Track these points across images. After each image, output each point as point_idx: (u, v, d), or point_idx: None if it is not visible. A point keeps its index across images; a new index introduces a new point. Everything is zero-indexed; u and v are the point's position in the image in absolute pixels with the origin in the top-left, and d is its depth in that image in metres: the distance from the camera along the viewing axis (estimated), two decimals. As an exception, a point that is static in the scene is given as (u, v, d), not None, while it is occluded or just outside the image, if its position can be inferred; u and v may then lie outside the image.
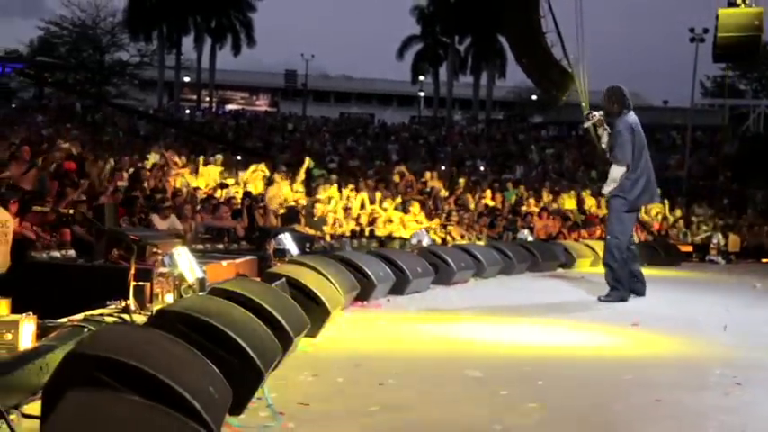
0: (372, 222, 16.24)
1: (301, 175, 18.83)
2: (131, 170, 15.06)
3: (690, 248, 20.15)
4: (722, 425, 4.28)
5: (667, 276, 14.15)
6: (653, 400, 4.72)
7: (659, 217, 22.74)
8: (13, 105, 33.72)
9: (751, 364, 6.01)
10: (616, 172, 9.41)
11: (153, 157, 17.35)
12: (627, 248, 9.58)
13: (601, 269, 14.13)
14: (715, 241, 20.67)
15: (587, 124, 10.19)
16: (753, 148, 36.74)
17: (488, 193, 21.11)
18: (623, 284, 9.48)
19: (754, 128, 44.60)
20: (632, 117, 9.52)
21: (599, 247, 15.52)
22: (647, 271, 14.89)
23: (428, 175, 22.44)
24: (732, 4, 19.78)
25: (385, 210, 16.92)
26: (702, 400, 4.84)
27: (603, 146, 9.85)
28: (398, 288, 9.03)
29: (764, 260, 20.58)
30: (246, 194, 15.58)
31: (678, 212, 23.56)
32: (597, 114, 9.77)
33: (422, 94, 56.92)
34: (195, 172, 17.32)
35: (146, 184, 13.92)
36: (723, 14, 19.89)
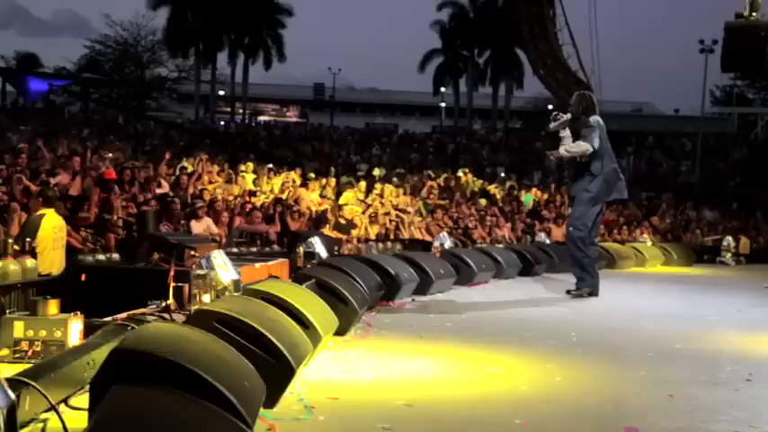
0: (397, 226, 16.24)
1: (331, 182, 18.92)
2: (172, 177, 15.23)
3: (701, 250, 19.98)
4: (733, 419, 4.24)
5: (680, 276, 14.07)
6: (666, 395, 4.69)
7: (669, 220, 22.63)
8: (63, 118, 34.02)
9: (760, 361, 5.97)
10: (580, 147, 9.29)
11: (189, 166, 17.47)
12: (592, 243, 9.53)
13: (615, 270, 14.15)
14: (725, 243, 20.50)
15: (553, 125, 9.68)
16: (761, 154, 36.44)
17: (506, 198, 21.08)
18: (591, 274, 9.38)
19: (762, 134, 44.17)
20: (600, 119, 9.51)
21: (613, 249, 15.49)
22: (661, 270, 14.88)
23: (449, 180, 22.42)
24: (739, 16, 19.65)
25: (408, 214, 16.92)
26: (714, 395, 4.80)
27: (563, 150, 9.58)
28: (422, 288, 9.01)
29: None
30: (278, 201, 15.65)
31: (689, 215, 23.38)
32: (565, 117, 9.53)
33: (443, 104, 56.87)
34: (230, 181, 17.43)
35: (186, 191, 14.06)
36: (731, 26, 19.78)
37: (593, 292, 9.32)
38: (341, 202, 16.99)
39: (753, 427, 4.10)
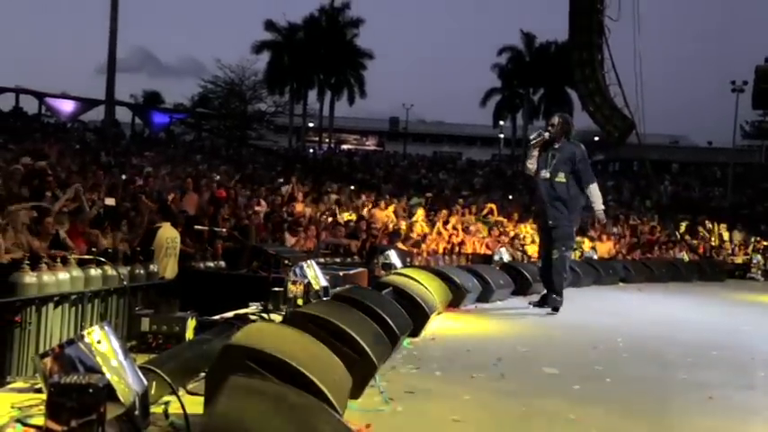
0: (461, 242, 16.15)
1: (403, 202, 18.93)
2: (270, 198, 15.45)
3: (733, 267, 19.39)
4: (766, 420, 4.08)
5: (714, 290, 13.63)
6: (706, 397, 4.53)
7: (705, 240, 22.02)
8: (179, 146, 34.88)
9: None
10: (596, 189, 8.53)
11: (285, 189, 17.70)
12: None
13: (655, 283, 13.80)
14: (755, 261, 19.88)
15: (533, 142, 8.58)
16: None
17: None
18: (562, 296, 8.50)
19: None
20: None
21: (653, 265, 15.11)
22: (696, 286, 14.42)
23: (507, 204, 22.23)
24: (768, 60, 19.16)
25: (471, 232, 16.81)
26: (749, 398, 4.63)
27: (530, 164, 8.57)
28: (484, 297, 8.91)
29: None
30: (359, 218, 15.72)
31: (723, 236, 22.71)
32: (546, 135, 8.48)
33: (501, 136, 56.54)
34: (317, 201, 17.59)
35: (283, 210, 14.24)
36: (761, 69, 19.29)
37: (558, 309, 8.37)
38: (412, 219, 16.98)
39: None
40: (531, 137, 8.72)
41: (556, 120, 8.64)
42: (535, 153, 8.51)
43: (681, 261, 17.22)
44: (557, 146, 8.42)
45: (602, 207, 8.64)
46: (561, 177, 8.34)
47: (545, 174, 8.39)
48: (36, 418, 2.58)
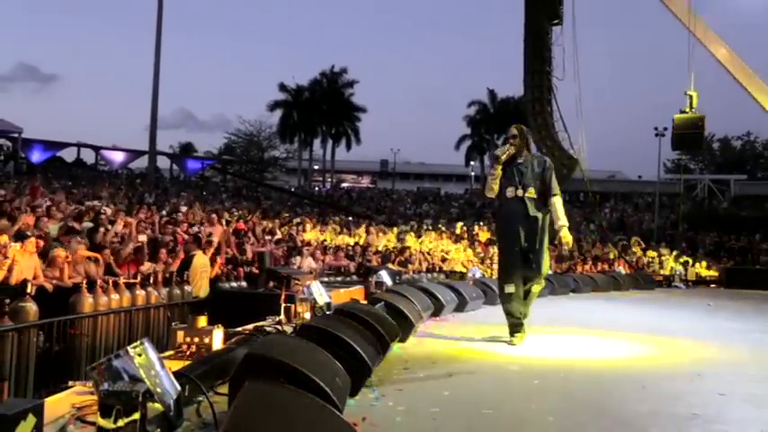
0: (441, 261, 16.14)
1: (393, 231, 18.93)
2: (284, 227, 15.42)
3: (660, 278, 19.44)
4: (689, 404, 4.06)
5: (646, 298, 13.64)
6: (640, 386, 4.53)
7: (638, 256, 22.08)
8: (208, 187, 34.84)
9: (707, 361, 5.72)
10: (560, 203, 6.19)
11: (295, 220, 17.69)
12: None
13: (599, 293, 13.79)
14: (677, 273, 19.94)
15: (504, 155, 6.23)
16: (700, 208, 36.55)
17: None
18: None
19: (701, 194, 43.78)
20: None
21: (598, 278, 15.11)
22: (632, 294, 14.42)
23: (477, 228, 22.26)
24: (683, 111, 19.59)
25: (449, 252, 16.81)
26: (674, 386, 4.61)
27: (495, 185, 6.24)
28: (460, 308, 8.89)
29: (712, 286, 19.68)
30: (356, 243, 15.71)
31: (651, 253, 22.79)
32: (512, 149, 6.28)
33: (473, 173, 56.85)
34: (322, 230, 17.58)
35: (292, 237, 14.20)
36: (677, 118, 19.70)
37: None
38: (401, 244, 16.98)
39: (703, 409, 3.93)
40: (499, 151, 6.34)
41: (515, 131, 6.42)
42: (498, 173, 6.26)
43: (619, 274, 17.24)
44: (520, 160, 6.27)
45: (566, 222, 6.16)
46: (532, 193, 6.17)
47: (516, 192, 6.20)
48: (92, 416, 2.56)
